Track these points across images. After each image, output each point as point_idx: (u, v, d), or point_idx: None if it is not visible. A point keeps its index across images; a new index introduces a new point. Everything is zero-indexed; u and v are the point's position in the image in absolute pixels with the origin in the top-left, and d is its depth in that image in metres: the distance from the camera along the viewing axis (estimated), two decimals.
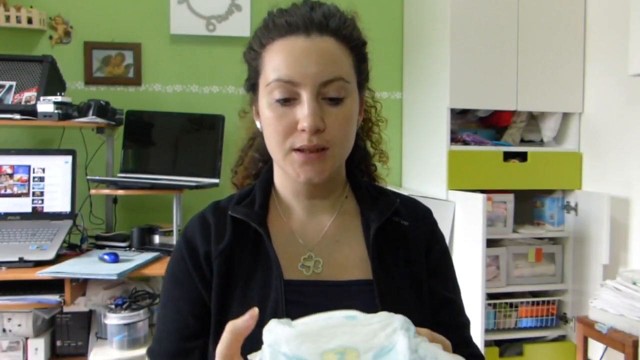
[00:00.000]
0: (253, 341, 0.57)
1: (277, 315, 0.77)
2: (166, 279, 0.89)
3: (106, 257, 2.11)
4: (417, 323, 0.56)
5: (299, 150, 0.79)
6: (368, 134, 1.00)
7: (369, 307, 0.79)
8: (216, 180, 2.50)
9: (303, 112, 0.78)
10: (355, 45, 0.84)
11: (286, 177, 0.88)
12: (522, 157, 2.64)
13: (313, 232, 0.88)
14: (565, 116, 2.75)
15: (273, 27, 0.82)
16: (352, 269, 0.85)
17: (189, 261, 0.85)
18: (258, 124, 0.89)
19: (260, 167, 0.97)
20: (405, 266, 0.87)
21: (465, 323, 0.92)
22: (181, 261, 0.86)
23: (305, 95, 0.78)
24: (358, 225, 0.89)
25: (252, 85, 0.88)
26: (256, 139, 0.98)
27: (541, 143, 2.85)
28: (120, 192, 2.37)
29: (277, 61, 0.80)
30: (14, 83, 2.43)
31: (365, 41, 0.87)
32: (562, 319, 2.73)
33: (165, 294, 0.88)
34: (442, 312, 0.88)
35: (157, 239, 2.42)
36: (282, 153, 0.81)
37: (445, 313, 0.88)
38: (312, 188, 0.87)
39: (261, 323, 0.57)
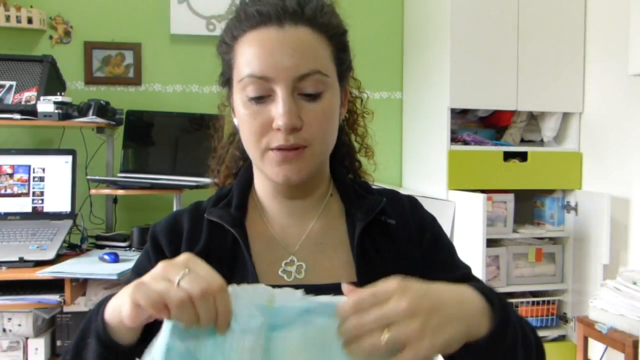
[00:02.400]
0: None
1: None
2: (132, 270, 0.85)
3: (106, 257, 2.10)
4: None
5: (275, 149, 0.75)
6: (353, 127, 0.94)
7: None
8: (216, 180, 2.50)
9: (278, 109, 0.73)
10: (335, 34, 0.78)
11: (265, 178, 0.83)
12: (522, 157, 2.64)
13: (295, 234, 0.83)
14: (566, 116, 2.75)
15: (244, 18, 0.76)
16: (337, 273, 0.81)
17: (153, 261, 0.80)
18: (235, 121, 0.84)
19: (240, 165, 0.93)
20: (394, 267, 0.79)
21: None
22: (147, 261, 0.83)
23: (280, 92, 0.73)
24: (343, 225, 0.84)
25: (226, 80, 0.83)
26: (236, 134, 0.91)
27: (541, 143, 2.85)
28: (120, 192, 2.37)
29: (249, 55, 0.75)
30: (14, 83, 2.43)
31: (345, 29, 0.81)
32: (562, 318, 2.72)
33: (128, 281, 0.80)
34: None
35: None
36: (258, 152, 0.77)
37: None
38: (292, 188, 0.82)
39: None
